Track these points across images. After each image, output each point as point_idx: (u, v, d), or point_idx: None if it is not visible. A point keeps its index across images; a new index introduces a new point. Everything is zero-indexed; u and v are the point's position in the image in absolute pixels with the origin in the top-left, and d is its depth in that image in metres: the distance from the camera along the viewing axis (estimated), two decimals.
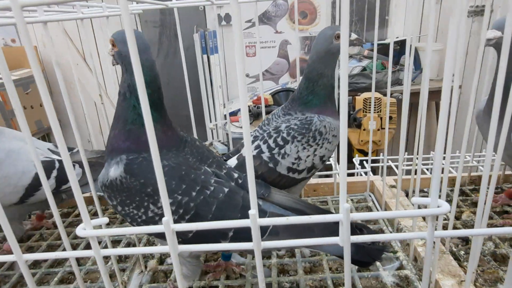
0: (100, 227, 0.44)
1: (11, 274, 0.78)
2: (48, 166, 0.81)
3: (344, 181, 0.34)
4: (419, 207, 0.60)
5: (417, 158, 0.70)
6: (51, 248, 0.87)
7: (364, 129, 2.44)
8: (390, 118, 2.30)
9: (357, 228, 0.53)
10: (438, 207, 0.37)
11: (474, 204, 0.91)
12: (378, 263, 0.71)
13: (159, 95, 0.58)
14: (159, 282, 0.73)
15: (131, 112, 0.57)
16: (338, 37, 0.69)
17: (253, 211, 0.36)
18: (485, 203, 0.49)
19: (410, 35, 0.75)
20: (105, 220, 0.40)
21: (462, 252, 0.73)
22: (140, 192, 0.54)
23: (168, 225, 0.38)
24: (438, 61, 2.76)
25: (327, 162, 0.83)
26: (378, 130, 2.42)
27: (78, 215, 1.00)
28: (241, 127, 2.66)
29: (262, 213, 0.55)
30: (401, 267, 0.70)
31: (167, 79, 2.94)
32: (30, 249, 0.87)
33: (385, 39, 3.06)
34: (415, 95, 0.87)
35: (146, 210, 0.55)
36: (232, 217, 0.51)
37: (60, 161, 0.83)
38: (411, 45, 0.70)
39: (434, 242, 0.57)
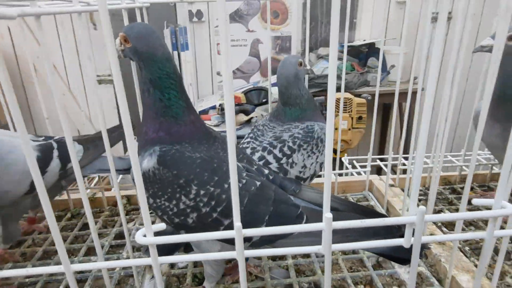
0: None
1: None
2: (46, 148, 0.76)
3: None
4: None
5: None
6: (47, 254, 0.80)
7: (336, 128, 2.51)
8: (360, 118, 2.38)
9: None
10: (502, 208, 0.38)
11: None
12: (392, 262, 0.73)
13: (181, 84, 0.58)
14: (172, 287, 0.70)
15: (159, 105, 0.56)
16: (300, 64, 0.80)
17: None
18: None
19: (378, 38, 0.80)
20: (163, 226, 0.38)
21: (467, 248, 0.77)
22: (172, 184, 0.54)
23: (239, 230, 0.36)
24: (403, 65, 2.90)
25: None
26: (349, 129, 2.49)
27: (71, 218, 0.93)
28: (213, 126, 2.62)
29: (295, 207, 0.55)
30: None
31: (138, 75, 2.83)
32: (23, 256, 0.80)
33: (353, 41, 3.15)
34: (382, 96, 0.93)
35: (178, 202, 0.54)
36: (264, 210, 0.54)
37: (57, 141, 0.79)
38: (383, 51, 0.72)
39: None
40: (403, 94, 0.83)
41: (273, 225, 0.47)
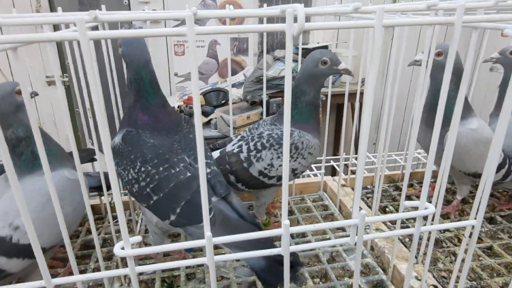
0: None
1: None
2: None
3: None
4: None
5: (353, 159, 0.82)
6: None
7: None
8: None
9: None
10: (425, 208, 0.47)
11: (409, 197, 1.08)
12: (344, 254, 0.82)
13: (154, 85, 0.71)
14: None
15: (134, 99, 0.71)
16: (323, 62, 0.75)
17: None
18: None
19: (330, 42, 0.87)
20: (139, 238, 0.42)
21: (407, 239, 0.87)
22: (127, 157, 0.68)
23: (210, 239, 0.41)
24: (353, 67, 3.07)
25: None
26: None
27: None
28: None
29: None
30: (363, 256, 0.82)
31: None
32: None
33: (307, 43, 3.28)
34: (334, 97, 0.98)
35: (128, 173, 0.68)
36: (183, 196, 0.64)
37: None
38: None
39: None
40: (354, 95, 0.90)
41: (185, 211, 0.63)
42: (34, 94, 0.74)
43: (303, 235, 0.90)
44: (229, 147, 0.84)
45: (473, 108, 0.89)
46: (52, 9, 2.68)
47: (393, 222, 0.94)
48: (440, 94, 0.47)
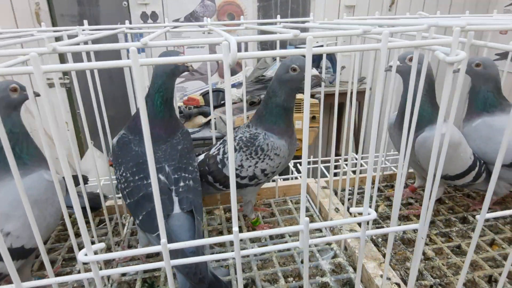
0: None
1: None
2: None
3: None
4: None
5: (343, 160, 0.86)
6: None
7: None
8: (314, 117, 2.52)
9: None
10: (368, 214, 0.50)
11: (387, 198, 1.11)
12: (317, 254, 0.86)
13: (161, 97, 0.78)
14: None
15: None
16: (293, 69, 0.77)
17: (163, 240, 0.45)
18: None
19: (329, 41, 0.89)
20: (102, 245, 0.46)
21: (380, 239, 0.91)
22: (116, 159, 0.79)
23: (165, 245, 0.45)
24: (353, 64, 3.09)
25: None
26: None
27: None
28: None
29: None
30: (335, 256, 0.86)
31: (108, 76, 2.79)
32: None
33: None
34: (332, 96, 0.95)
35: (116, 172, 0.78)
36: (145, 207, 0.69)
37: None
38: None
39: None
40: (358, 93, 0.91)
41: (145, 221, 0.69)
42: (36, 94, 0.78)
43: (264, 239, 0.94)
44: (212, 150, 0.89)
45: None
46: (51, 11, 2.73)
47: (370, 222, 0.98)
48: (407, 101, 0.52)
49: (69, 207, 0.86)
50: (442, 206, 1.05)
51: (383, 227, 0.96)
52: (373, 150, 0.60)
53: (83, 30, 0.74)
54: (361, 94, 1.38)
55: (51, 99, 0.77)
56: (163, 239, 0.45)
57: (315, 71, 0.81)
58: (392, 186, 1.19)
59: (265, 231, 0.48)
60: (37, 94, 0.75)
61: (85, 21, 0.82)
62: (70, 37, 0.71)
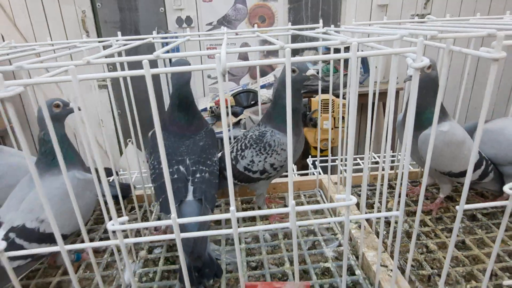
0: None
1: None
2: None
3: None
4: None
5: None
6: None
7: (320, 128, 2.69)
8: (343, 118, 2.56)
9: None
10: (350, 200, 0.57)
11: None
12: (323, 243, 0.93)
13: (184, 103, 0.92)
14: (150, 266, 0.90)
15: (169, 106, 0.95)
16: (293, 71, 0.86)
17: (173, 215, 0.54)
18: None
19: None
20: (126, 218, 0.57)
21: (385, 232, 0.96)
22: (149, 149, 0.94)
23: (175, 220, 0.55)
24: (384, 65, 3.06)
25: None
26: (332, 129, 2.68)
27: None
28: None
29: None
30: (339, 245, 0.92)
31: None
32: None
33: None
34: (363, 96, 0.99)
35: (149, 161, 0.92)
36: (163, 192, 0.80)
37: None
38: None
39: (361, 225, 0.78)
40: (385, 94, 0.97)
41: (163, 204, 0.81)
42: (78, 109, 0.91)
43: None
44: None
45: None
46: (96, 17, 2.97)
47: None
48: (409, 105, 0.58)
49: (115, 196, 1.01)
50: (452, 204, 1.07)
51: (389, 222, 1.01)
52: (377, 149, 0.67)
53: (117, 40, 0.86)
54: (384, 95, 1.39)
55: (94, 100, 0.91)
56: (173, 213, 0.55)
57: (311, 71, 0.88)
58: (411, 183, 1.22)
59: (258, 211, 0.57)
60: (79, 109, 0.89)
61: (119, 33, 0.93)
62: (106, 47, 0.84)
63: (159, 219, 1.09)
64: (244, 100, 3.03)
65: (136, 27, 3.07)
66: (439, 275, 0.81)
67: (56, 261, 0.88)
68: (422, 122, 0.90)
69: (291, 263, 0.88)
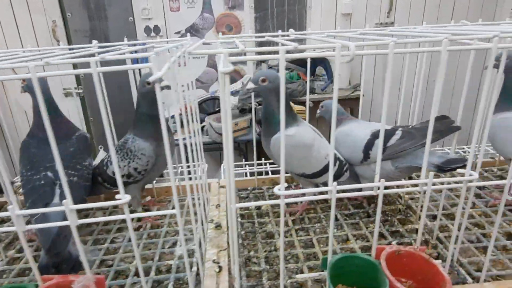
0: None
1: None
2: None
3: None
4: None
5: None
6: None
7: None
8: None
9: None
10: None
11: None
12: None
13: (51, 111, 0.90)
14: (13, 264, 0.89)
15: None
16: (147, 83, 0.90)
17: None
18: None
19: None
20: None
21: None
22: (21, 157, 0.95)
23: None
24: (349, 72, 3.13)
25: None
26: None
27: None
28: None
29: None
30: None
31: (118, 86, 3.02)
32: None
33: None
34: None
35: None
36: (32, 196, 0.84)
37: None
38: None
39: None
40: (347, 100, 1.01)
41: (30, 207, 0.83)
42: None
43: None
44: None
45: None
46: (66, 27, 2.93)
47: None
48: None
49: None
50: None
51: None
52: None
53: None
54: (354, 100, 1.44)
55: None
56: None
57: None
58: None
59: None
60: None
61: (94, 41, 0.91)
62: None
63: (29, 222, 1.03)
64: (210, 107, 3.01)
65: (106, 36, 3.06)
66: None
67: None
68: (273, 128, 0.93)
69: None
